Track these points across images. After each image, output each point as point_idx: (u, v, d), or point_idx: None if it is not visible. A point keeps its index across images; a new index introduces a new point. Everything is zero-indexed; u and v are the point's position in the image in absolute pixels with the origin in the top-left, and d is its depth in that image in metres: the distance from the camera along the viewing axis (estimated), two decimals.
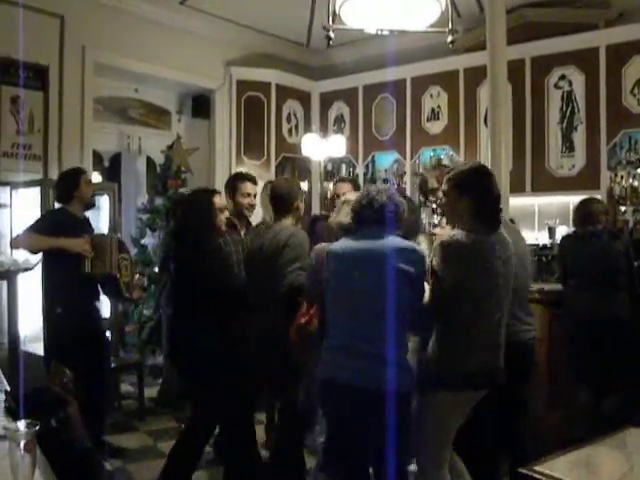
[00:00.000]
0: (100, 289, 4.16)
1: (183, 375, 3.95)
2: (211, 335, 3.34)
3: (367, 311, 2.56)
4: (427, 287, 2.68)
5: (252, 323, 3.45)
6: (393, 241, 2.65)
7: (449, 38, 3.24)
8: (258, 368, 3.50)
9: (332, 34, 3.21)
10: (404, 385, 2.52)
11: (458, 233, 2.61)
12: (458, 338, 2.61)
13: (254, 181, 4.09)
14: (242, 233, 3.96)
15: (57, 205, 4.21)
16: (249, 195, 4.00)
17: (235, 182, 4.07)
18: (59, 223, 3.97)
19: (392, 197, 2.72)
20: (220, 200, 3.58)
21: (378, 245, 2.62)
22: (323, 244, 3.14)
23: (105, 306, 5.39)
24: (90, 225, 4.25)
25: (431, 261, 2.65)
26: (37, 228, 3.94)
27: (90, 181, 4.25)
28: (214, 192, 3.65)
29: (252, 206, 4.03)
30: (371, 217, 2.68)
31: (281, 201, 3.59)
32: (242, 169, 7.42)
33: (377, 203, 2.67)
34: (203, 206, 3.47)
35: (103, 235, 4.18)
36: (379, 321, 2.50)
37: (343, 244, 2.73)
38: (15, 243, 4.12)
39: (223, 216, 3.54)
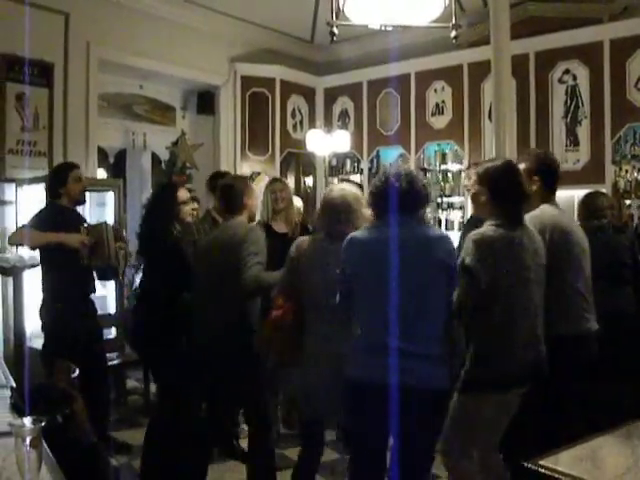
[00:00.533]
0: (96, 275, 4.20)
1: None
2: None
3: (408, 307, 2.38)
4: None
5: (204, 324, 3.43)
6: (428, 230, 2.55)
7: (453, 33, 3.22)
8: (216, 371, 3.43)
9: (336, 30, 3.20)
10: (446, 382, 2.42)
11: (486, 229, 2.61)
12: (496, 337, 2.56)
13: None
14: None
15: (47, 200, 4.22)
16: None
17: (214, 181, 4.42)
18: (52, 217, 3.99)
19: (416, 180, 2.54)
20: (183, 193, 3.79)
21: (415, 234, 2.47)
22: (303, 237, 3.11)
23: (111, 302, 5.42)
24: (80, 216, 4.26)
25: (462, 260, 2.57)
26: (34, 225, 3.96)
27: (79, 178, 4.19)
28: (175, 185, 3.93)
29: None
30: (396, 203, 2.48)
31: (228, 198, 3.49)
32: (247, 165, 7.47)
33: (401, 187, 2.48)
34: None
35: (98, 225, 4.13)
36: (421, 317, 2.39)
37: (370, 234, 2.53)
38: (13, 240, 4.15)
39: (188, 208, 3.77)
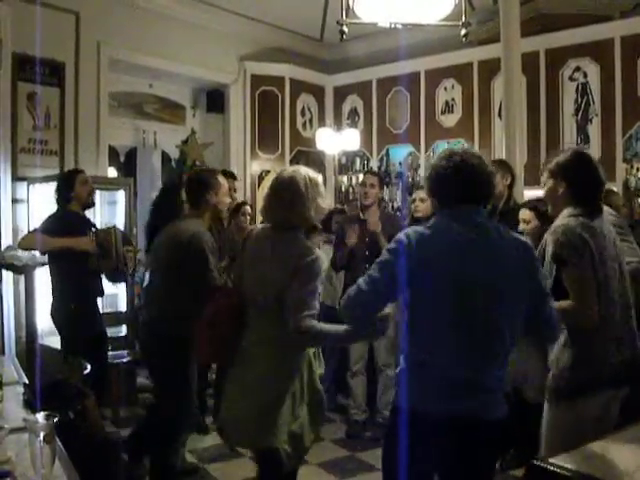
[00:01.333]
0: (106, 277, 4.26)
1: None
2: None
3: (482, 328, 2.00)
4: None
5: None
6: (501, 231, 2.14)
7: (462, 31, 3.22)
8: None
9: (346, 28, 3.21)
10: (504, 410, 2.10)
11: (568, 220, 2.46)
12: (591, 335, 2.39)
13: (234, 177, 4.50)
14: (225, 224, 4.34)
15: (58, 207, 4.29)
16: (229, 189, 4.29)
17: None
18: (62, 222, 4.10)
19: (483, 163, 2.13)
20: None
21: (490, 236, 2.09)
22: (255, 226, 3.07)
23: (122, 300, 5.46)
24: (89, 221, 4.35)
25: (555, 254, 2.41)
26: (44, 229, 4.06)
27: (86, 181, 4.31)
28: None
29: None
30: (464, 193, 2.10)
31: (188, 192, 3.33)
32: (256, 163, 7.49)
33: (470, 173, 2.09)
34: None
35: (106, 230, 4.24)
36: (496, 339, 2.02)
37: (431, 233, 2.07)
38: (23, 244, 4.24)
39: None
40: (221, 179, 3.33)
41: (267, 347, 2.43)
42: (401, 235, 2.09)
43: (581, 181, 2.55)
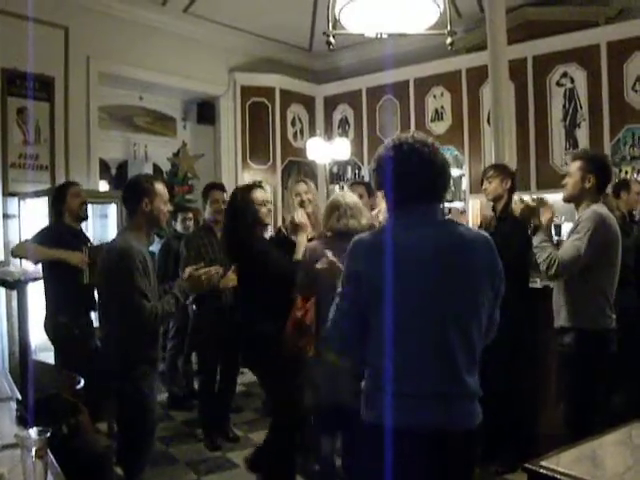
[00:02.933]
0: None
1: None
2: None
3: (449, 335, 1.82)
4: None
5: None
6: (464, 229, 1.95)
7: (448, 40, 3.25)
8: None
9: (333, 39, 3.24)
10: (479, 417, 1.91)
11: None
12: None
13: (222, 189, 4.52)
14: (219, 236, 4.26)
15: (53, 220, 4.33)
16: (217, 202, 4.37)
17: (208, 191, 4.53)
18: (56, 235, 4.12)
19: (436, 151, 1.90)
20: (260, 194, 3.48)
21: (452, 235, 1.88)
22: (314, 243, 3.16)
23: None
24: (86, 236, 4.37)
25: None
26: (38, 240, 4.08)
27: (78, 193, 4.32)
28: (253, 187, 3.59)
29: (219, 212, 4.27)
30: (417, 189, 1.88)
31: (125, 201, 2.96)
32: (248, 174, 7.51)
33: (422, 164, 1.86)
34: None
35: (100, 246, 4.25)
36: (463, 347, 1.84)
37: (385, 236, 1.87)
38: (17, 252, 4.25)
39: (265, 209, 3.45)
40: (159, 186, 2.96)
41: None
42: (355, 239, 1.91)
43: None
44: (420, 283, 1.81)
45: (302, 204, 4.34)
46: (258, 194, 3.47)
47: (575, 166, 3.07)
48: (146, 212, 2.84)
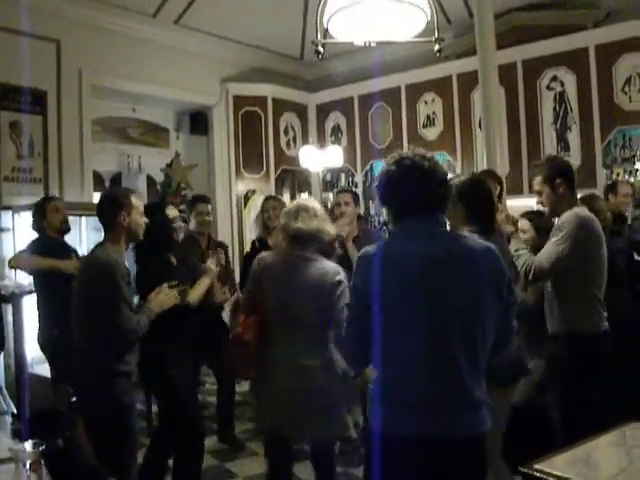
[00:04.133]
0: None
1: None
2: None
3: (451, 346, 1.84)
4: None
5: None
6: (467, 240, 1.98)
7: (436, 47, 3.28)
8: None
9: (321, 48, 3.26)
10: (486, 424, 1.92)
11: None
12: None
13: (207, 200, 4.56)
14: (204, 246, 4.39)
15: (37, 234, 4.38)
16: (201, 214, 4.41)
17: (194, 204, 4.52)
18: (47, 246, 4.18)
19: (435, 165, 1.98)
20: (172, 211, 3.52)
21: (452, 248, 1.92)
22: (264, 253, 3.05)
23: None
24: (70, 247, 4.43)
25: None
26: (32, 251, 4.14)
27: (58, 208, 4.38)
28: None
29: (203, 224, 4.42)
30: (419, 202, 1.94)
31: (101, 214, 2.93)
32: (242, 184, 7.52)
33: (423, 178, 1.93)
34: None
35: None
36: (465, 355, 1.85)
37: (390, 248, 1.96)
38: (12, 263, 4.30)
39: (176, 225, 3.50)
40: (135, 199, 2.98)
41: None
42: (361, 252, 2.00)
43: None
44: (422, 295, 1.85)
45: (269, 219, 4.49)
46: (170, 211, 3.52)
47: (538, 181, 3.11)
48: (124, 225, 2.85)
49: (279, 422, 2.79)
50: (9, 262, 4.43)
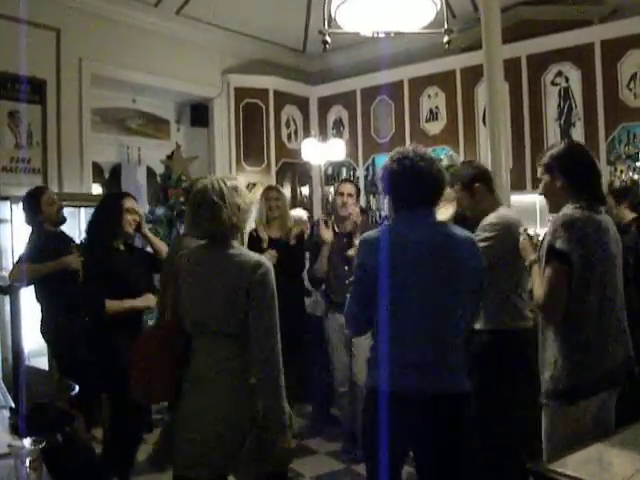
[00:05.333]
0: None
1: None
2: None
3: (440, 317, 2.23)
4: (537, 276, 2.44)
5: None
6: (454, 230, 2.33)
7: (445, 38, 3.23)
8: None
9: (328, 38, 3.21)
10: (466, 386, 2.28)
11: (572, 211, 2.38)
12: (587, 334, 2.35)
13: None
14: None
15: (32, 228, 4.27)
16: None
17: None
18: (44, 245, 4.09)
19: (432, 164, 2.29)
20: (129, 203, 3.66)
21: (443, 235, 2.28)
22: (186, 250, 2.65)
23: None
24: (67, 236, 4.34)
25: (552, 245, 2.34)
26: (29, 257, 4.04)
27: (52, 200, 4.30)
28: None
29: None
30: (415, 196, 2.27)
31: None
32: (243, 176, 7.46)
33: (420, 176, 2.25)
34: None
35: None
36: (452, 326, 2.25)
37: (388, 234, 2.28)
38: (13, 277, 4.21)
39: (130, 217, 3.64)
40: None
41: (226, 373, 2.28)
42: (363, 236, 2.33)
43: (579, 171, 2.46)
44: (414, 276, 2.20)
45: (270, 210, 4.47)
46: (127, 202, 3.63)
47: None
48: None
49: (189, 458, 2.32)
50: (9, 276, 4.34)
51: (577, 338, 2.36)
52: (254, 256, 2.33)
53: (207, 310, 2.29)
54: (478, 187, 3.15)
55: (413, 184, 2.25)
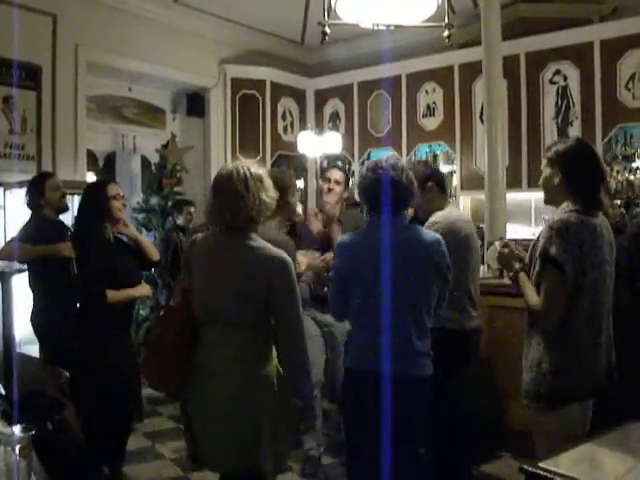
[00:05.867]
0: None
1: None
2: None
3: (397, 310, 2.48)
4: (526, 283, 2.43)
5: None
6: (420, 232, 2.60)
7: (445, 33, 3.20)
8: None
9: (328, 29, 3.18)
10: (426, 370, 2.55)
11: (568, 215, 2.33)
12: (577, 340, 2.33)
13: None
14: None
15: (31, 213, 4.22)
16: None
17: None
18: (39, 230, 4.04)
19: (408, 173, 2.57)
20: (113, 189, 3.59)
21: (409, 237, 2.55)
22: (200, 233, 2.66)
23: None
24: (65, 225, 4.30)
25: (546, 251, 2.32)
26: (22, 238, 3.99)
27: (57, 186, 4.25)
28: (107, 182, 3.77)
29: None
30: (386, 202, 2.52)
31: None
32: None
33: (398, 180, 2.52)
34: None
35: None
36: (412, 316, 2.51)
37: (363, 236, 2.61)
38: (2, 255, 4.16)
39: (118, 203, 3.58)
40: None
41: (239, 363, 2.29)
42: (339, 240, 2.69)
43: (579, 173, 2.42)
44: (383, 273, 2.44)
45: None
46: (111, 188, 3.56)
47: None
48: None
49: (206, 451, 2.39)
50: (0, 252, 4.28)
51: (566, 343, 2.34)
52: (274, 250, 2.30)
53: (219, 299, 2.28)
54: (431, 186, 3.20)
55: (385, 192, 2.49)
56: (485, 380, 4.16)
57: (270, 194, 2.32)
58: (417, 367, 2.52)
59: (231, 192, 2.23)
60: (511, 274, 2.56)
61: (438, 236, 2.59)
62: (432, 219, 3.12)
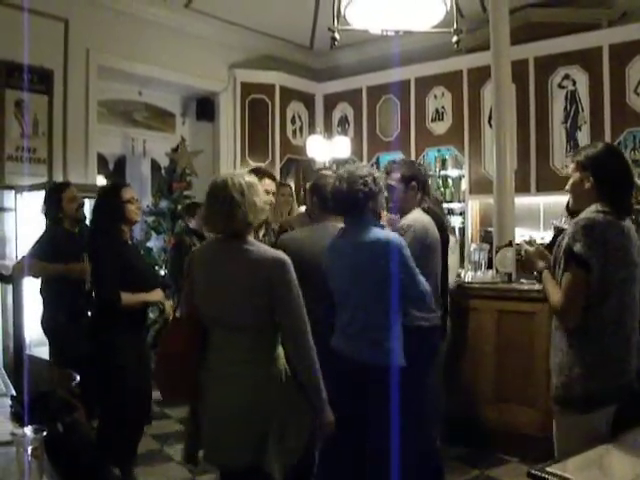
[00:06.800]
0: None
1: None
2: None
3: (363, 303, 2.74)
4: (549, 282, 2.38)
5: None
6: (379, 233, 2.75)
7: (454, 38, 3.22)
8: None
9: (337, 35, 3.20)
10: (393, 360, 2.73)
11: (595, 215, 2.28)
12: (606, 342, 2.27)
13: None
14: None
15: (47, 225, 4.26)
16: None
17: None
18: (54, 246, 4.04)
19: (355, 181, 2.74)
20: (127, 193, 3.54)
21: (367, 240, 2.73)
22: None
23: None
24: (82, 240, 4.31)
25: (570, 247, 2.26)
26: (38, 254, 4.00)
27: (74, 197, 4.25)
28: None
29: None
30: (353, 208, 2.77)
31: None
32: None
33: (340, 194, 2.77)
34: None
35: None
36: (378, 309, 2.72)
37: (336, 240, 2.85)
38: (16, 272, 4.17)
39: (133, 207, 3.54)
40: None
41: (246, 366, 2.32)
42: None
43: (610, 178, 2.37)
44: (350, 271, 2.76)
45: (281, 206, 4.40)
46: (126, 192, 3.53)
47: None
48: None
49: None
50: (13, 270, 4.30)
51: (596, 346, 2.28)
52: (272, 252, 2.35)
53: (221, 305, 2.32)
54: (414, 185, 3.26)
55: (352, 197, 2.74)
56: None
57: (263, 199, 2.40)
58: (379, 356, 2.71)
59: (228, 199, 2.28)
60: (535, 273, 2.55)
61: (390, 236, 2.75)
62: (402, 222, 3.17)
